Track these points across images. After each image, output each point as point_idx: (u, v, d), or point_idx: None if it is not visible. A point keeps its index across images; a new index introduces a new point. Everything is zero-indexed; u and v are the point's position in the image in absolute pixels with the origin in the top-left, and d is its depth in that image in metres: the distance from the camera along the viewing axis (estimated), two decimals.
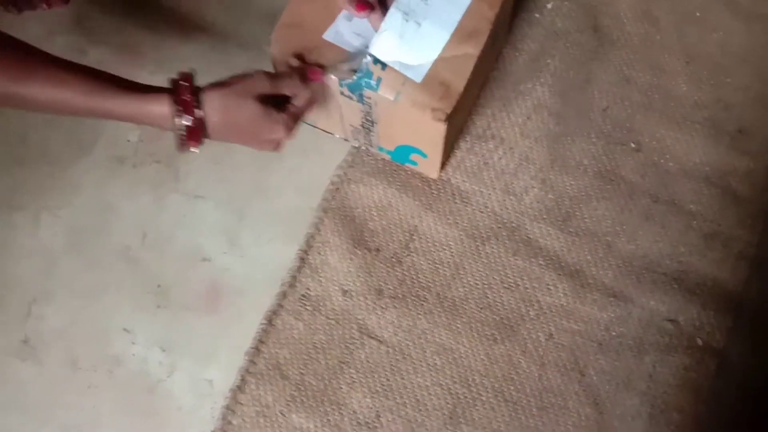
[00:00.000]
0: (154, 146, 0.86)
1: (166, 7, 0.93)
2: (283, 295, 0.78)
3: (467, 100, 0.77)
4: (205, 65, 0.88)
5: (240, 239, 0.82)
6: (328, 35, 0.71)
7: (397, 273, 0.79)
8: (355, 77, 0.69)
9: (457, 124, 0.80)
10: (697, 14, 0.90)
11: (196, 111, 0.60)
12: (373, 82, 0.69)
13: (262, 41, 0.71)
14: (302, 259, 0.80)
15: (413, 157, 0.80)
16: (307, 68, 0.69)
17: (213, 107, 0.61)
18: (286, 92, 0.66)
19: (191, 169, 0.85)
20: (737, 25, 0.89)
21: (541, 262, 0.79)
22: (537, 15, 0.90)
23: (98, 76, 0.60)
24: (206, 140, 0.63)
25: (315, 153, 0.85)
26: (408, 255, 0.80)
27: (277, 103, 0.65)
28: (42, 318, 0.80)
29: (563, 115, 0.85)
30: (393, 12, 0.69)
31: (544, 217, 0.81)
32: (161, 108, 0.60)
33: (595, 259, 0.79)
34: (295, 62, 0.69)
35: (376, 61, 0.69)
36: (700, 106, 0.85)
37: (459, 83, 0.69)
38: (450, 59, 0.70)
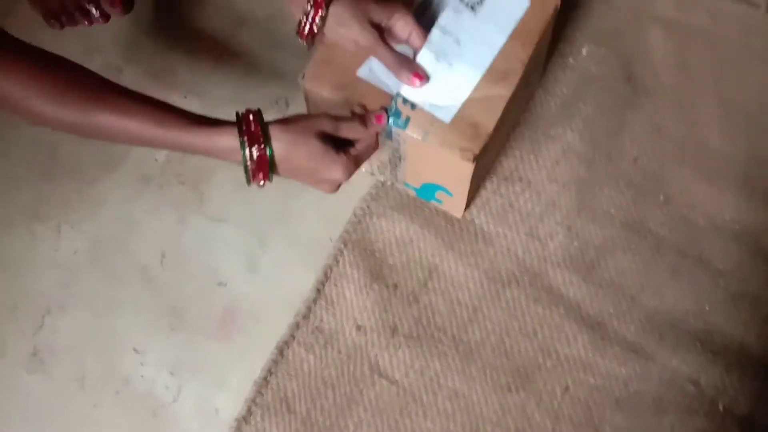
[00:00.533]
0: (181, 167, 0.87)
1: (204, 33, 0.95)
2: (296, 326, 0.77)
3: (496, 141, 0.77)
4: (239, 92, 0.90)
5: (258, 265, 0.82)
6: (362, 72, 0.71)
7: (413, 311, 0.78)
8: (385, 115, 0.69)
9: (485, 164, 0.79)
10: (733, 68, 0.88)
11: (264, 144, 0.61)
12: (401, 121, 0.68)
13: (296, 73, 0.72)
14: (318, 291, 0.79)
15: (439, 195, 0.79)
16: (370, 113, 0.69)
17: (278, 140, 0.62)
18: (349, 136, 0.66)
19: (216, 192, 0.86)
20: None
21: (561, 311, 0.77)
22: (571, 60, 0.89)
23: (168, 108, 0.61)
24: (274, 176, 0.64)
25: None
26: (426, 293, 0.79)
27: (338, 145, 0.65)
28: (54, 330, 0.80)
29: (593, 162, 0.84)
30: (424, 53, 0.69)
31: (568, 265, 0.79)
32: (230, 140, 0.61)
33: (617, 312, 0.77)
34: (358, 108, 0.69)
35: (406, 100, 0.69)
36: (732, 161, 0.83)
37: (489, 124, 0.69)
38: (481, 100, 0.69)
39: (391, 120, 0.69)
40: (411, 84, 0.68)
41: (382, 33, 0.69)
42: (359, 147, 0.67)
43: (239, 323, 0.79)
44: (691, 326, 0.76)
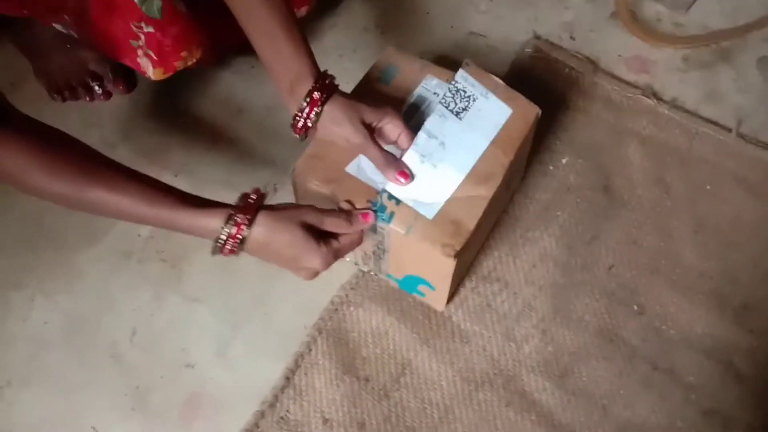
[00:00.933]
0: (164, 243, 0.88)
1: (200, 117, 0.98)
2: (261, 414, 0.75)
3: (477, 239, 0.79)
4: (229, 174, 0.93)
5: (229, 349, 0.81)
6: (351, 169, 0.74)
7: (383, 408, 0.76)
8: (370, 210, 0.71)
9: (466, 261, 0.80)
10: (708, 187, 0.92)
11: (245, 229, 0.63)
12: (386, 216, 0.70)
13: (287, 161, 0.74)
14: (287, 379, 0.78)
15: (421, 288, 0.80)
16: (358, 210, 0.71)
17: (261, 225, 0.63)
18: (333, 230, 0.68)
19: (195, 270, 0.86)
20: (748, 202, 0.90)
21: (533, 417, 0.76)
22: (551, 167, 0.93)
23: (160, 188, 0.63)
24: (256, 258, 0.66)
25: None
26: (397, 389, 0.78)
27: (321, 236, 0.67)
28: (12, 404, 0.78)
29: (569, 268, 0.85)
30: (411, 153, 0.72)
31: (542, 369, 0.79)
32: (213, 223, 0.63)
33: (589, 422, 0.76)
34: (345, 205, 0.72)
35: (391, 196, 0.71)
36: (705, 276, 0.85)
37: (470, 222, 0.71)
38: (463, 199, 0.72)
39: (377, 215, 0.70)
40: (397, 182, 0.71)
41: (373, 133, 0.72)
42: (342, 241, 0.69)
43: (203, 408, 0.77)
44: None
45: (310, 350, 0.80)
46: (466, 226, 0.71)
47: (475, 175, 0.73)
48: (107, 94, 0.97)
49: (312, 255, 0.66)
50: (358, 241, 0.72)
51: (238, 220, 0.62)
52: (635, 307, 0.83)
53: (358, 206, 0.71)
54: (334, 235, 0.69)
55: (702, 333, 0.81)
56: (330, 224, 0.68)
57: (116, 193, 0.61)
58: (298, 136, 0.72)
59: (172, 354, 0.81)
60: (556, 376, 0.79)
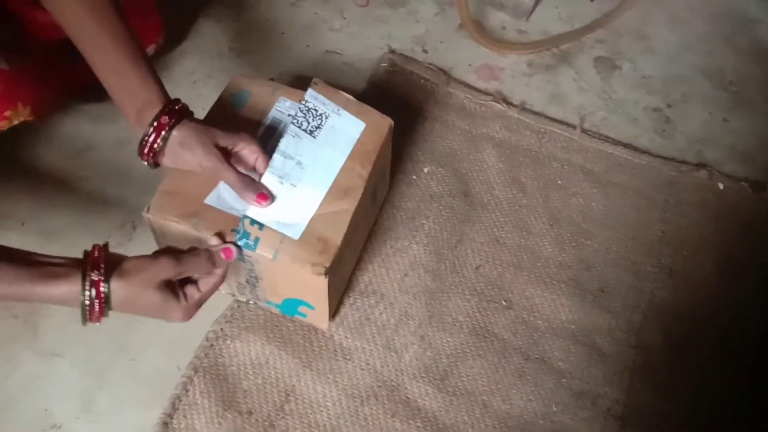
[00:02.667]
0: None
1: (47, 161, 0.92)
2: None
3: (347, 254, 0.79)
4: (81, 217, 0.87)
5: (95, 404, 0.75)
6: (210, 200, 0.71)
7: None
8: (234, 238, 0.69)
9: (341, 276, 0.80)
10: (559, 181, 0.98)
11: (103, 285, 0.58)
12: (251, 242, 0.69)
13: (143, 196, 0.71)
14: (165, 424, 0.74)
15: (302, 309, 0.78)
16: (217, 247, 0.68)
17: (116, 293, 0.59)
18: (193, 275, 0.65)
19: (51, 324, 0.80)
20: (595, 192, 0.98)
21: (419, 424, 0.77)
22: (414, 177, 0.95)
23: (7, 261, 0.57)
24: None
25: None
26: (282, 417, 0.76)
27: (182, 284, 0.65)
28: None
29: (438, 273, 0.88)
30: (268, 175, 0.71)
31: (423, 375, 0.81)
32: (68, 287, 0.58)
33: (472, 420, 0.78)
34: (215, 240, 0.69)
35: (254, 221, 0.69)
36: (564, 266, 0.90)
37: (336, 237, 0.71)
38: (327, 215, 0.72)
39: (241, 242, 0.69)
40: (258, 204, 0.70)
41: (229, 158, 0.70)
42: (203, 289, 0.66)
43: None
44: (542, 428, 0.78)
45: (187, 391, 0.76)
46: (333, 242, 0.71)
47: (336, 191, 0.74)
48: None
49: (173, 313, 0.64)
50: (220, 282, 0.69)
51: (93, 277, 0.58)
52: (503, 303, 0.87)
53: (228, 239, 0.69)
54: (195, 282, 0.66)
55: (566, 319, 0.86)
56: (191, 269, 0.65)
57: None
58: (146, 163, 0.69)
59: (33, 417, 0.74)
60: (437, 379, 0.80)
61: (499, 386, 0.81)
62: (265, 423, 0.76)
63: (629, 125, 1.07)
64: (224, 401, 0.76)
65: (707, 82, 1.14)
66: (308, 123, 0.76)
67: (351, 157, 0.76)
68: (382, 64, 1.07)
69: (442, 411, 0.78)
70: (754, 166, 1.04)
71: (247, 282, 0.76)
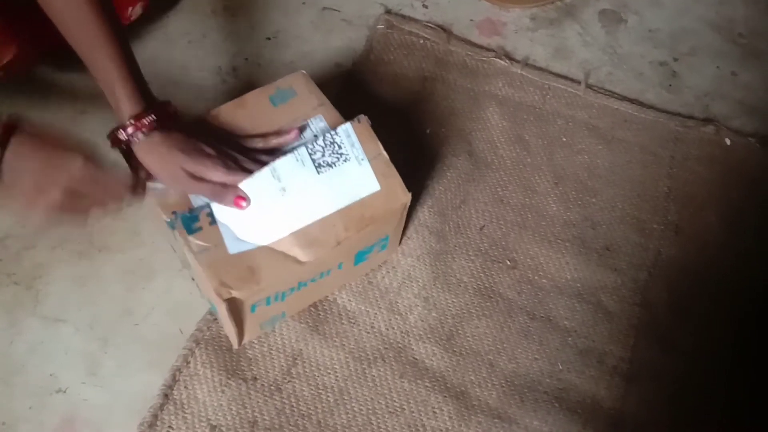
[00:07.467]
0: (14, 266, 0.80)
1: None
2: None
3: (294, 300, 0.74)
4: None
5: (101, 368, 0.75)
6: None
7: (276, 402, 0.75)
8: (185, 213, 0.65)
9: (273, 314, 0.75)
10: (564, 139, 0.96)
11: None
12: (194, 226, 0.65)
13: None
14: (166, 396, 0.73)
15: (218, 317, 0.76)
16: (141, 182, 0.65)
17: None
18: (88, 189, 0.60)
19: (53, 289, 0.79)
20: (600, 149, 0.96)
21: (427, 383, 0.77)
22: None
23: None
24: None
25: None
26: (289, 381, 0.76)
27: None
28: None
29: (443, 234, 0.87)
30: (248, 183, 0.67)
31: (429, 336, 0.80)
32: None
33: (479, 379, 0.78)
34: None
35: (211, 215, 0.66)
36: (569, 224, 0.89)
37: (265, 278, 0.65)
38: (276, 253, 0.66)
39: (184, 222, 0.65)
40: (237, 206, 0.66)
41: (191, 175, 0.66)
42: (70, 198, 0.59)
43: None
44: (548, 386, 0.79)
45: (188, 362, 0.75)
46: (257, 279, 0.65)
47: (301, 236, 0.67)
48: None
49: (25, 187, 0.58)
50: (86, 209, 0.62)
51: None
52: (508, 262, 0.86)
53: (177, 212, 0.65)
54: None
55: (571, 278, 0.86)
56: (96, 178, 0.60)
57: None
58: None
59: (38, 381, 0.74)
60: (443, 340, 0.80)
61: (504, 345, 0.81)
62: (272, 387, 0.76)
63: (635, 80, 1.05)
64: (227, 370, 0.76)
65: (716, 35, 1.11)
66: (322, 155, 0.69)
67: (341, 212, 0.68)
68: (379, 26, 1.04)
69: (449, 370, 0.78)
70: (764, 121, 1.02)
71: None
